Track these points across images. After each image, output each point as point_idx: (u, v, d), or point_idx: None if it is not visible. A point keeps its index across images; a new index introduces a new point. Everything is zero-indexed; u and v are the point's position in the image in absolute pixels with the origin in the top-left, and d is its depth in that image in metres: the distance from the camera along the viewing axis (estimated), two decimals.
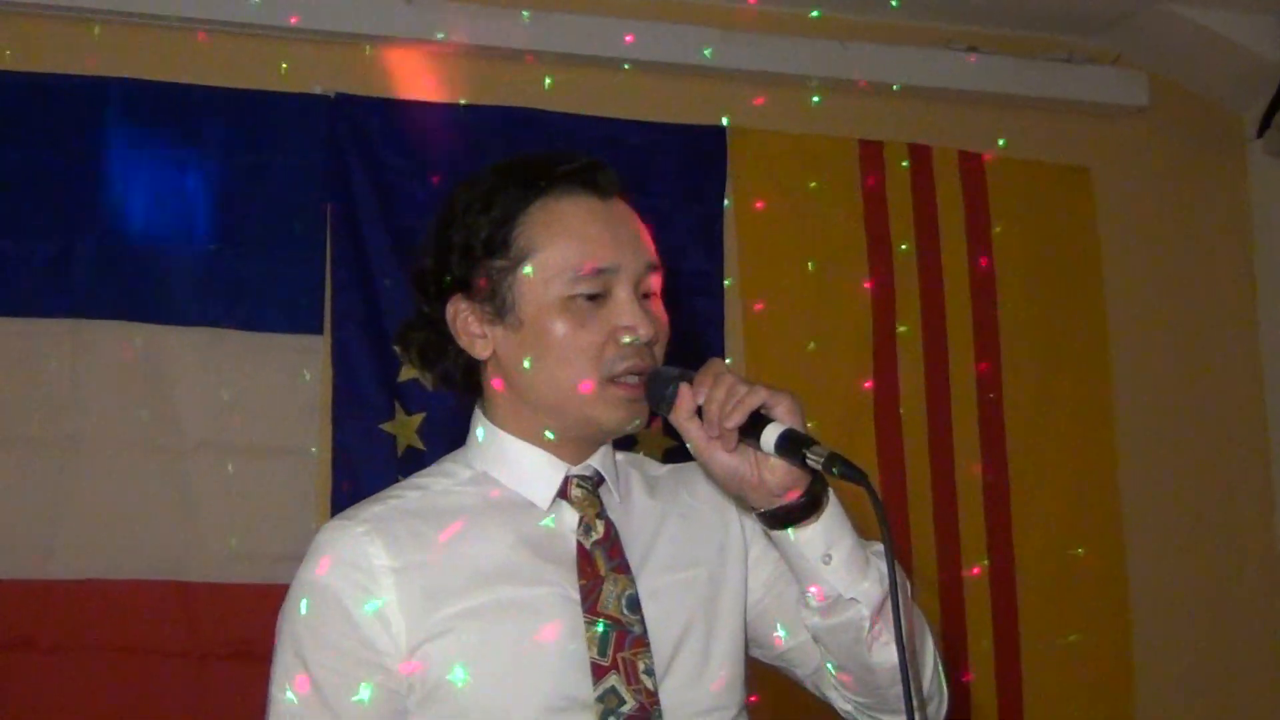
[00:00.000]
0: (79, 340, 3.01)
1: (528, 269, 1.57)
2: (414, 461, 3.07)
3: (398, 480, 2.87)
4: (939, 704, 1.65)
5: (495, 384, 1.64)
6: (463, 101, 3.26)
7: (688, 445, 1.55)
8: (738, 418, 1.46)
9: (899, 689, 1.52)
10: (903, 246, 3.48)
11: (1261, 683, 3.59)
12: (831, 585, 1.51)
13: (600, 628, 1.54)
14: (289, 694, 1.54)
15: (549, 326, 1.55)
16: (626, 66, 3.32)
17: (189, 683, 2.95)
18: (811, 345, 3.36)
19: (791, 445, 1.44)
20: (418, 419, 3.16)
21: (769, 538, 1.57)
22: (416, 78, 3.29)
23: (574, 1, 3.33)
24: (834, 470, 1.42)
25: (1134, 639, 3.47)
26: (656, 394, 1.56)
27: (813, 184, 3.42)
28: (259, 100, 3.16)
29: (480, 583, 1.54)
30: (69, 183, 3.04)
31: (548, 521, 1.60)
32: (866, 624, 1.51)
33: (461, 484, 1.63)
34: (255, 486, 3.07)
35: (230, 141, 3.13)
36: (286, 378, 3.13)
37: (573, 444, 1.63)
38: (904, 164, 3.52)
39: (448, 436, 2.88)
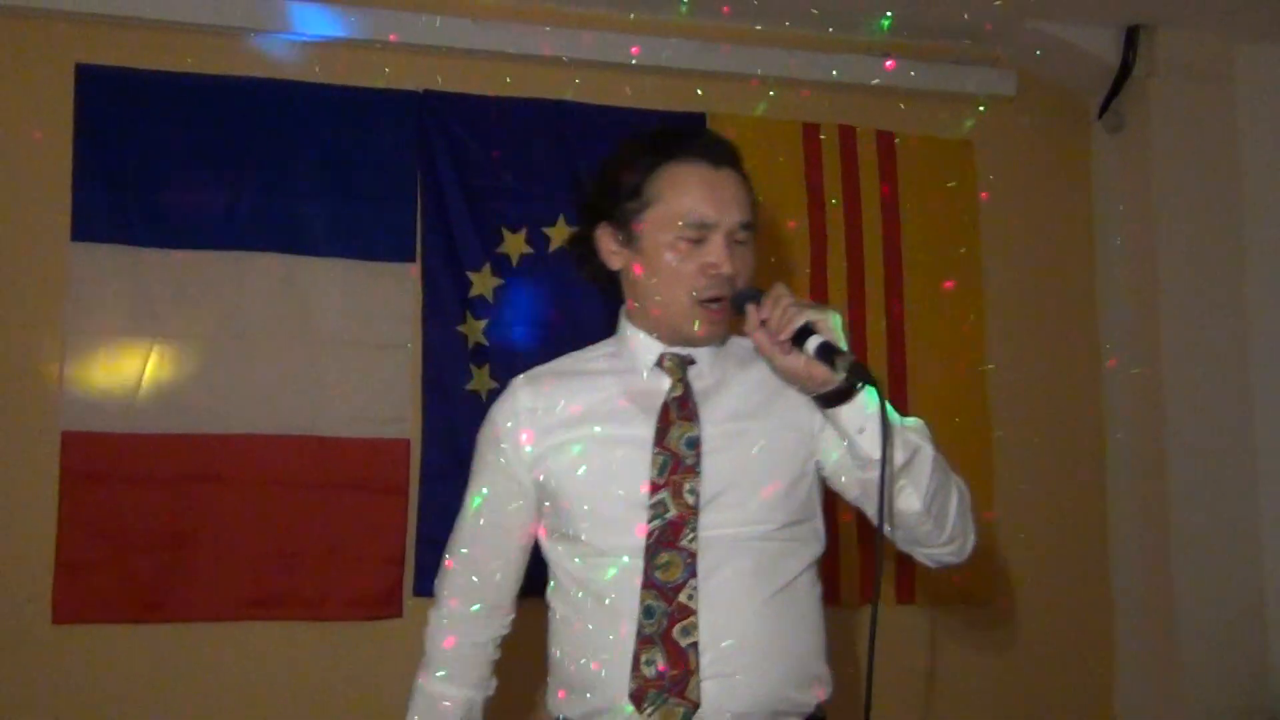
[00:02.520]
0: (242, 267, 3.40)
1: (651, 213, 1.79)
2: (480, 353, 3.46)
3: (469, 367, 3.54)
4: (962, 544, 1.81)
5: (627, 291, 1.89)
6: (514, 95, 3.58)
7: (755, 348, 1.75)
8: (788, 331, 1.68)
9: (923, 529, 1.75)
10: (833, 200, 3.77)
11: (1087, 465, 4.01)
12: (864, 450, 1.71)
13: (662, 457, 1.78)
14: (470, 490, 1.91)
15: (661, 257, 1.79)
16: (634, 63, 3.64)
17: (321, 504, 3.40)
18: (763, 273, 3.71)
19: (823, 353, 1.65)
20: (483, 323, 3.50)
21: (824, 414, 1.77)
22: (482, 77, 3.58)
23: (595, 21, 3.66)
24: (850, 373, 1.62)
25: (994, 438, 3.86)
26: (737, 307, 1.78)
27: (768, 156, 3.66)
28: (368, 94, 3.52)
29: (588, 419, 1.83)
30: (234, 153, 3.41)
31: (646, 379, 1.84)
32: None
33: (598, 356, 1.92)
34: (368, 370, 3.46)
35: (349, 124, 3.49)
36: (390, 293, 3.48)
37: (675, 342, 1.85)
38: (834, 140, 3.79)
39: (504, 335, 3.49)
